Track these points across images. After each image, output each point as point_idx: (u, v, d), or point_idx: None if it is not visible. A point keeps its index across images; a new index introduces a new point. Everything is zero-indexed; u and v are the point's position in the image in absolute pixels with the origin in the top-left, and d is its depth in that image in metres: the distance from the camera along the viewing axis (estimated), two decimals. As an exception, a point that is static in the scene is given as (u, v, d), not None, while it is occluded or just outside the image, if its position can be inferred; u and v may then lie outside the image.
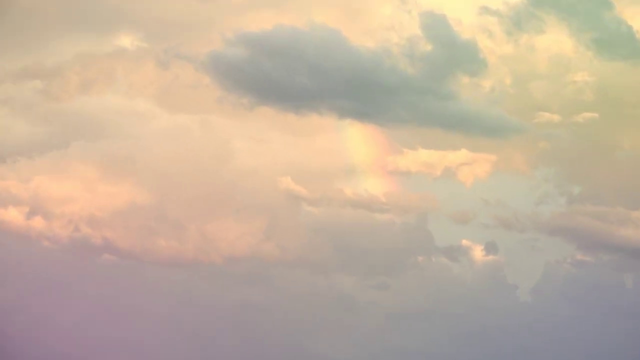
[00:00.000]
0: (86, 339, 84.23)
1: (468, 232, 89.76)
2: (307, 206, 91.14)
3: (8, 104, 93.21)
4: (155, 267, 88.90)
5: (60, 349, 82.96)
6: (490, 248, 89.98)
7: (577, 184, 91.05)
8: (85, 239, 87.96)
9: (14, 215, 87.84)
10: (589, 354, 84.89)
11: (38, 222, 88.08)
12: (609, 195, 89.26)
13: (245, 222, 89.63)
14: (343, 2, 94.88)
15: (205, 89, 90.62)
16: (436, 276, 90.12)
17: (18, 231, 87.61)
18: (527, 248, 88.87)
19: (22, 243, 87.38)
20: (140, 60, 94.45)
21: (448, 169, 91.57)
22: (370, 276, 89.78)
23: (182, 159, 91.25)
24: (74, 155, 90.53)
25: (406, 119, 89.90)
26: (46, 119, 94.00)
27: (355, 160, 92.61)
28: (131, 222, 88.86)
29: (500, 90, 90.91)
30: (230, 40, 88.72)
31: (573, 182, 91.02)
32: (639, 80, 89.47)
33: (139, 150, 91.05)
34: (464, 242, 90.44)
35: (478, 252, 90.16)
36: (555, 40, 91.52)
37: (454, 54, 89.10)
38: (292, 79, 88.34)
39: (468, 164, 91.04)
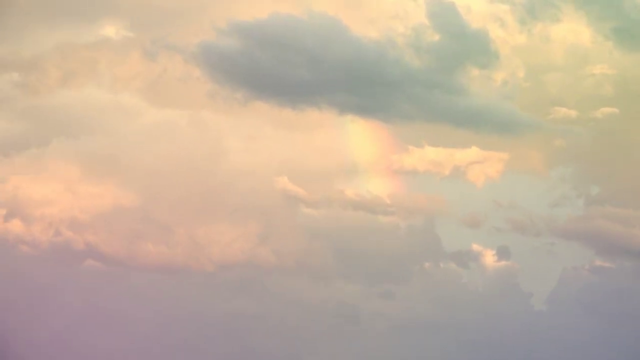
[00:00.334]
0: (68, 350, 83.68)
1: (479, 236, 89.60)
2: (305, 208, 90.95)
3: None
4: (142, 273, 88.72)
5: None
6: (502, 253, 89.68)
7: (595, 184, 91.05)
8: (66, 243, 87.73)
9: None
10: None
11: (16, 226, 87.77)
12: (629, 197, 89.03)
13: (239, 226, 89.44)
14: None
15: (195, 82, 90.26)
16: (444, 283, 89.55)
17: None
18: (542, 253, 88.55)
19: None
20: (125, 51, 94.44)
21: (457, 168, 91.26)
22: (374, 284, 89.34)
23: (170, 158, 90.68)
24: (54, 154, 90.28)
25: (412, 114, 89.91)
26: (24, 114, 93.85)
27: (357, 159, 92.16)
28: (116, 226, 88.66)
29: (513, 84, 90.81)
30: (222, 30, 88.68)
31: (591, 183, 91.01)
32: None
33: (124, 149, 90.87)
34: (475, 246, 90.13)
35: (489, 258, 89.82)
36: (572, 30, 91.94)
37: (463, 45, 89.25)
38: (289, 72, 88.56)
39: (478, 163, 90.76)
